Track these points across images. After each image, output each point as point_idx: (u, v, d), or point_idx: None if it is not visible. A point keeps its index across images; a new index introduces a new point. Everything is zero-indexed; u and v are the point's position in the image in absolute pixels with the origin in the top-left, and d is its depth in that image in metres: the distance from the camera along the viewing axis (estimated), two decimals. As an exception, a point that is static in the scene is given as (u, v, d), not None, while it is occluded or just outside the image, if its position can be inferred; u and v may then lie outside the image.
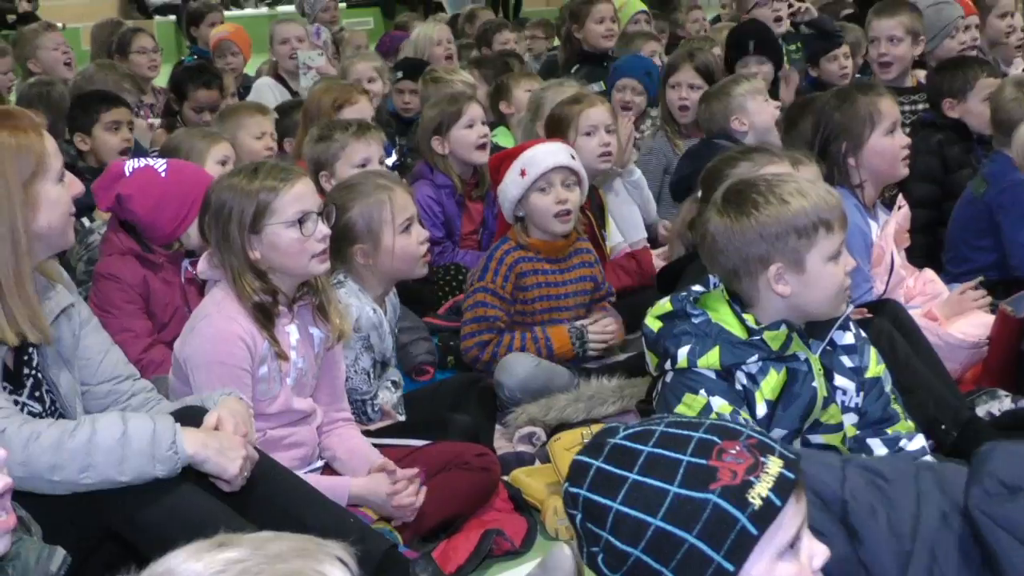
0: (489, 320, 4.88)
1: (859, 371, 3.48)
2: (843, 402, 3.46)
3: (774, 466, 1.91)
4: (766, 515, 1.88)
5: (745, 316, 3.34)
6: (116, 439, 3.02)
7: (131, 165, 4.57)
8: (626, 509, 1.93)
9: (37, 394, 3.27)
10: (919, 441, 3.53)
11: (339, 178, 5.00)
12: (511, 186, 4.94)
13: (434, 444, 4.02)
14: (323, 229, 3.71)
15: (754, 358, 3.31)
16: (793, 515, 1.91)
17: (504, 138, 6.75)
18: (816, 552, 1.95)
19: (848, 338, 3.49)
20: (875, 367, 3.51)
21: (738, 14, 8.75)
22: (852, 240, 4.41)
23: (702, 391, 3.29)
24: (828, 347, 3.45)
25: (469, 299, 4.94)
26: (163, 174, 4.52)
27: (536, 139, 5.30)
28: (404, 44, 9.55)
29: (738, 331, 3.32)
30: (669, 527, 1.89)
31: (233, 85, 8.30)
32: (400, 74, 8.08)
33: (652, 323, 3.41)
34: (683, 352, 3.32)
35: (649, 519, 1.91)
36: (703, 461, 1.91)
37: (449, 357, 5.08)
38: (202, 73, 7.42)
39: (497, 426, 4.58)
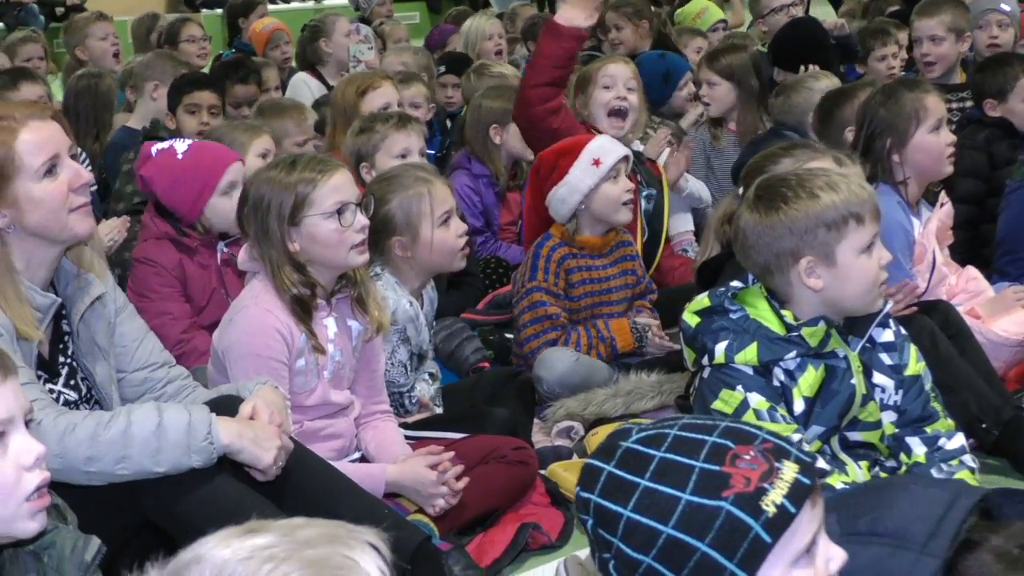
0: (552, 318, 4.85)
1: (898, 369, 3.45)
2: (882, 400, 3.43)
3: (789, 472, 1.88)
4: (780, 522, 1.85)
5: (783, 312, 3.32)
6: (152, 430, 3.02)
7: (157, 147, 4.61)
8: (638, 516, 1.90)
9: (73, 382, 3.28)
10: (959, 440, 3.49)
11: (379, 169, 5.00)
12: (584, 176, 4.87)
13: (472, 437, 4.01)
14: (362, 220, 3.72)
15: (792, 354, 3.29)
16: (809, 521, 1.88)
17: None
18: (833, 556, 1.92)
19: (887, 335, 3.46)
20: (915, 365, 3.48)
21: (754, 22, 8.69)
22: (894, 237, 4.38)
23: (739, 387, 3.27)
24: (867, 344, 3.41)
25: (524, 300, 4.91)
26: (180, 155, 4.56)
27: (587, 134, 5.27)
28: (452, 38, 9.51)
29: (776, 327, 3.31)
30: (681, 535, 1.87)
31: (277, 78, 8.28)
32: (443, 68, 8.08)
33: (690, 318, 3.40)
34: (721, 348, 3.30)
35: (661, 527, 1.88)
36: (716, 467, 1.88)
37: (488, 351, 5.07)
38: (239, 68, 7.37)
39: (535, 420, 4.57)
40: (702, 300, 3.41)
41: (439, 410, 4.35)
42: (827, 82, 6.16)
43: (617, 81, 5.75)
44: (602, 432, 4.17)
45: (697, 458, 1.89)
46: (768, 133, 6.21)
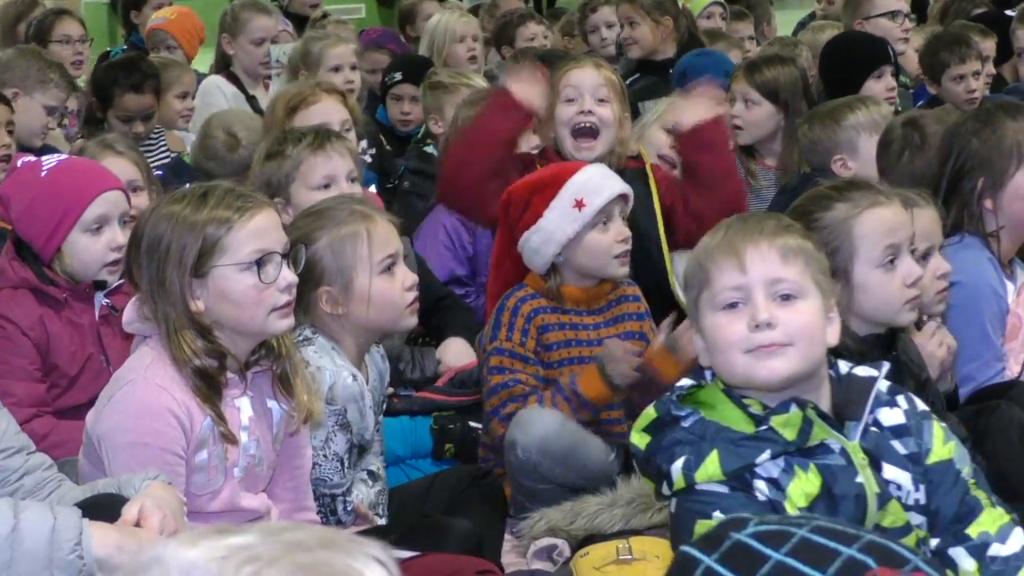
0: (509, 387, 4.88)
1: (917, 458, 3.49)
2: (899, 498, 3.47)
3: None
4: None
5: (747, 402, 3.40)
6: (3, 535, 3.06)
7: (24, 159, 4.68)
8: None
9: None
10: (1017, 539, 3.45)
11: (297, 205, 5.11)
12: (563, 222, 4.89)
13: (424, 556, 4.03)
14: (288, 275, 3.78)
15: (766, 455, 3.33)
16: None
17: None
18: None
19: (895, 416, 3.51)
20: (941, 448, 3.51)
21: (849, 21, 8.68)
22: (983, 302, 4.46)
23: (716, 512, 3.27)
24: (874, 428, 3.48)
25: (483, 369, 4.97)
26: (44, 171, 4.68)
27: (570, 161, 5.28)
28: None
29: (743, 424, 3.38)
30: None
31: (193, 83, 8.27)
32: (399, 75, 8.05)
33: (638, 439, 3.46)
34: (677, 468, 3.35)
35: None
36: None
37: (448, 444, 5.08)
38: (131, 71, 7.31)
39: (507, 535, 4.57)
40: (648, 413, 3.48)
41: (382, 521, 4.37)
42: (866, 113, 6.11)
43: (582, 92, 5.75)
44: (594, 553, 4.17)
45: (824, 571, 1.87)
46: (800, 179, 6.14)
